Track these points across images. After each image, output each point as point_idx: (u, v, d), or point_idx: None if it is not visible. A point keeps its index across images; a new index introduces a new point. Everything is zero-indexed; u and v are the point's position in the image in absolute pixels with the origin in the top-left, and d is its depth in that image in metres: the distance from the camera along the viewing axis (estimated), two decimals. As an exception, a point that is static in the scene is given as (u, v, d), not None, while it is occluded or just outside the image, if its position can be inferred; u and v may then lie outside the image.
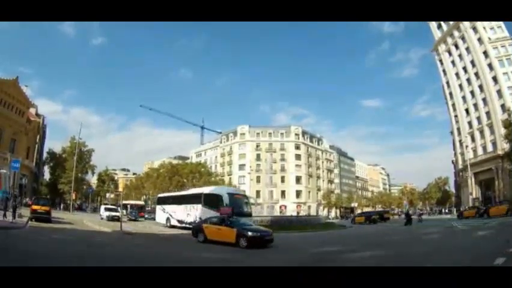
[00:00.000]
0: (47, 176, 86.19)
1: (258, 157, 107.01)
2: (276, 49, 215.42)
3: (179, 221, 33.97)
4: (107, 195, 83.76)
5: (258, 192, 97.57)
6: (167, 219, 36.24)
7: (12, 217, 25.82)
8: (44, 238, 19.27)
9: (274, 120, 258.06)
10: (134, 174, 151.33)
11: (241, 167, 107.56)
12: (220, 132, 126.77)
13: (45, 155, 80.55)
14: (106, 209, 44.71)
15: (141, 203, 72.24)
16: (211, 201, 30.51)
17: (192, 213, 32.21)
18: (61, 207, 67.29)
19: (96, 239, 21.28)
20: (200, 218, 28.27)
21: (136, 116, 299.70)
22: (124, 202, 58.83)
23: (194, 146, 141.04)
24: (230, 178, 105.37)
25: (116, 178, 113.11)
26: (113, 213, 41.89)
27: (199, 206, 31.55)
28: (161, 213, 38.14)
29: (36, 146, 70.27)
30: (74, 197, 65.79)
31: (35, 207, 29.32)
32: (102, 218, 42.68)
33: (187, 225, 31.02)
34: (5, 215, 26.96)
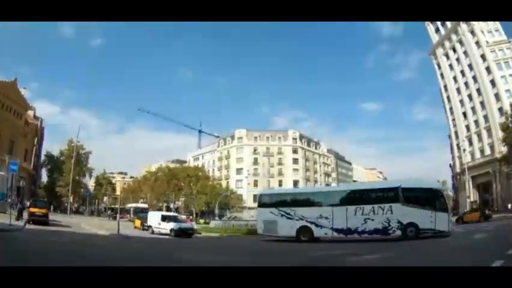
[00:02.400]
0: (44, 178, 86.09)
1: (256, 161, 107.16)
2: (276, 50, 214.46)
3: (338, 230, 23.49)
4: (105, 198, 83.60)
5: (255, 196, 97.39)
6: (304, 228, 24.52)
7: (16, 219, 25.92)
8: (41, 240, 19.23)
9: (273, 123, 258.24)
10: (131, 177, 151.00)
11: (239, 171, 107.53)
12: (218, 136, 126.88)
13: (43, 157, 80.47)
14: (165, 218, 33.97)
15: (144, 206, 67.89)
16: (419, 198, 22.54)
17: (378, 217, 22.46)
18: (59, 210, 67.05)
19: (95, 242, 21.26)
20: (400, 223, 21.72)
21: (134, 119, 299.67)
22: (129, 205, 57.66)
23: (192, 149, 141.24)
24: (227, 182, 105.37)
25: (113, 181, 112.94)
26: (183, 225, 33.55)
27: (396, 206, 22.24)
28: (282, 221, 25.17)
29: (34, 148, 70.22)
30: (71, 200, 65.65)
31: (32, 209, 29.24)
32: (154, 232, 33.09)
33: (361, 236, 22.86)
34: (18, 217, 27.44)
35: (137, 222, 39.41)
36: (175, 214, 43.28)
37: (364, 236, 22.53)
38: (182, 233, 30.96)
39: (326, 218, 23.77)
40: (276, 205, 26.30)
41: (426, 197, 22.33)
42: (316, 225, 24.04)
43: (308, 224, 24.28)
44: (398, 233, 21.56)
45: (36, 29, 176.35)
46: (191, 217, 68.92)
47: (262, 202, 28.70)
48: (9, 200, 36.13)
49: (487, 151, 68.06)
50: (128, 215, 55.76)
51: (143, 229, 35.85)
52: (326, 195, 27.32)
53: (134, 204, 67.29)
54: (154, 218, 34.78)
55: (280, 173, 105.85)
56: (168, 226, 31.79)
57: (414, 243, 19.22)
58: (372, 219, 22.39)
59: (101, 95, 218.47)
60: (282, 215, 25.39)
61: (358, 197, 24.51)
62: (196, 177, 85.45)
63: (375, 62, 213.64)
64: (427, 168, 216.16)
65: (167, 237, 30.80)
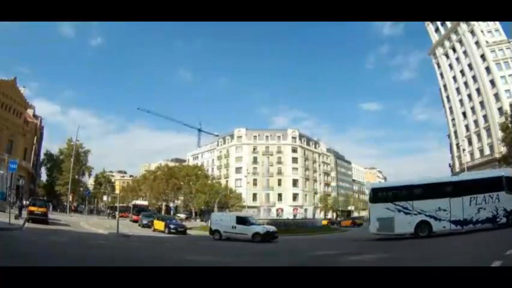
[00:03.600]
0: (44, 177, 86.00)
1: (255, 160, 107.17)
2: (276, 51, 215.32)
3: (456, 222, 22.52)
4: (104, 197, 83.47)
5: (254, 195, 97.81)
6: (423, 223, 23.09)
7: (15, 218, 25.96)
8: (41, 239, 19.22)
9: (273, 122, 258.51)
10: (131, 176, 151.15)
11: (238, 169, 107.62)
12: (217, 135, 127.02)
13: (42, 156, 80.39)
14: (243, 220, 29.26)
15: (144, 203, 66.42)
16: None
17: (488, 205, 22.07)
18: (58, 208, 66.96)
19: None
20: (505, 210, 21.49)
21: (134, 118, 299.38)
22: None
23: (191, 148, 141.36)
24: (227, 181, 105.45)
25: (113, 180, 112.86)
26: (269, 228, 28.59)
27: (502, 194, 21.93)
28: (400, 217, 23.62)
29: (34, 147, 70.05)
30: (71, 199, 65.55)
31: (32, 208, 29.28)
32: (223, 237, 29.56)
33: (475, 226, 22.02)
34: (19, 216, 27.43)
35: (159, 225, 35.87)
36: (247, 214, 39.93)
37: (478, 226, 21.88)
38: (270, 237, 27.17)
39: (444, 210, 22.76)
40: (391, 199, 24.53)
41: None
42: (435, 219, 22.88)
43: (427, 218, 22.99)
44: (504, 220, 21.36)
45: (36, 29, 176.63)
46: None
47: (376, 197, 26.03)
48: (9, 199, 36.09)
49: (487, 151, 68.01)
50: (130, 214, 52.14)
51: (170, 232, 33.61)
52: (443, 186, 25.06)
53: (139, 202, 65.41)
54: (225, 221, 29.66)
55: (279, 172, 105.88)
56: (249, 230, 27.46)
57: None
58: (484, 209, 21.93)
59: (101, 94, 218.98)
60: (399, 210, 23.77)
61: (471, 186, 23.36)
62: (195, 176, 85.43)
63: (376, 62, 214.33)
64: (427, 168, 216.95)
65: (168, 236, 30.79)
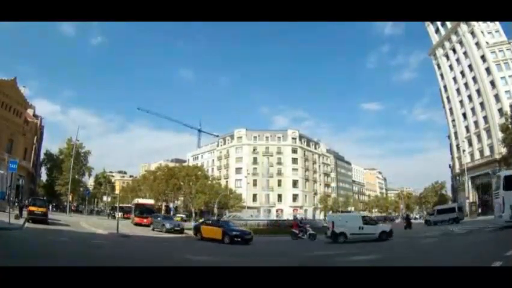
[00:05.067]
0: (44, 177, 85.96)
1: (255, 160, 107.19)
2: (277, 51, 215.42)
3: None
4: (104, 197, 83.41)
5: (254, 195, 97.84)
6: None
7: (16, 217, 26.01)
8: (40, 239, 19.23)
9: (273, 122, 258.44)
10: (131, 176, 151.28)
11: (238, 170, 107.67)
12: (217, 136, 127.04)
13: (42, 156, 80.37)
14: (370, 220, 29.37)
15: (150, 201, 53.19)
16: None
17: None
18: (58, 208, 66.94)
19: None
20: None
21: (134, 118, 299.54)
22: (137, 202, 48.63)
23: (191, 148, 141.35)
24: (227, 181, 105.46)
25: (113, 180, 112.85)
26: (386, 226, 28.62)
27: None
28: None
29: (34, 147, 70.01)
30: (71, 199, 65.49)
31: (32, 208, 29.28)
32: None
33: None
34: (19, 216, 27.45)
35: (213, 232, 27.20)
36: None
37: None
38: (387, 235, 26.37)
39: None
40: None
41: None
42: None
43: None
44: None
45: (36, 28, 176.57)
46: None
47: (510, 184, 23.51)
48: (10, 199, 36.12)
49: (487, 152, 68.00)
50: (132, 215, 45.40)
51: (232, 242, 24.79)
52: None
53: (144, 201, 52.33)
54: (350, 222, 27.23)
55: (279, 173, 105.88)
56: (376, 229, 26.62)
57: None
58: None
59: (101, 94, 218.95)
60: None
61: None
62: (195, 177, 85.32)
63: (376, 63, 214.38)
64: (427, 169, 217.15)
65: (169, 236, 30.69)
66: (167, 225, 33.83)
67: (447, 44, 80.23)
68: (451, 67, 79.52)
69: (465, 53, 74.26)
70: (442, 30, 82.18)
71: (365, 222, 26.85)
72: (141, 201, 48.73)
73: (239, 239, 24.83)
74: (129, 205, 58.10)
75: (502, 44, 69.57)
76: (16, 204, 32.45)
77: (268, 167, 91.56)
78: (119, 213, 39.57)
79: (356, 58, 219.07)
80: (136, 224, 39.54)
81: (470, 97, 73.25)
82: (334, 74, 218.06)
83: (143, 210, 42.57)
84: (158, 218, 37.11)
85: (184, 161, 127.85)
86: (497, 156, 60.98)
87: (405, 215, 58.88)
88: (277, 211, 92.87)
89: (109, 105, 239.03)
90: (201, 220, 41.13)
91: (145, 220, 39.59)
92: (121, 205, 51.55)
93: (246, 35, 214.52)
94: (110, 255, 15.27)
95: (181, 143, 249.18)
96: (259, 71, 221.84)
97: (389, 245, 22.17)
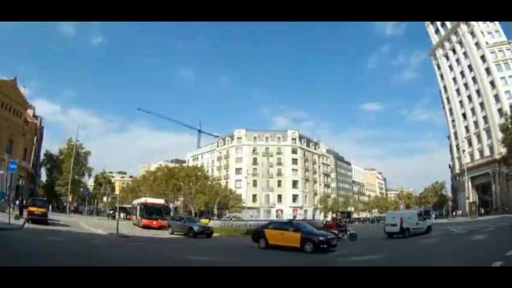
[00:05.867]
0: (44, 177, 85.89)
1: (255, 161, 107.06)
2: (277, 51, 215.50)
3: None
4: (104, 198, 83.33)
5: (254, 196, 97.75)
6: None
7: (16, 218, 26.04)
8: (40, 240, 19.23)
9: (273, 122, 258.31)
10: (131, 177, 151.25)
11: (238, 170, 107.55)
12: (217, 136, 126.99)
13: (42, 156, 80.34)
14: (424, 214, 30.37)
15: (160, 201, 46.12)
16: None
17: None
18: (58, 209, 66.88)
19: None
20: None
21: (134, 118, 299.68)
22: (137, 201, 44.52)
23: (191, 149, 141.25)
24: (227, 182, 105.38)
25: (113, 181, 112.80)
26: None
27: None
28: None
29: (34, 147, 69.99)
30: (71, 199, 65.42)
31: (31, 208, 29.28)
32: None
33: None
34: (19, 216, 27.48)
35: (289, 238, 19.42)
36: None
37: None
38: (429, 229, 30.83)
39: None
40: None
41: None
42: None
43: None
44: None
45: (36, 28, 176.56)
46: None
47: None
48: (10, 199, 36.14)
49: (487, 152, 68.13)
50: (134, 217, 43.06)
51: (317, 250, 17.95)
52: None
53: (153, 200, 44.42)
54: (412, 218, 29.38)
55: (279, 173, 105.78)
56: (425, 224, 30.85)
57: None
58: None
59: (101, 94, 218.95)
60: None
61: None
62: (195, 177, 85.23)
63: (376, 63, 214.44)
64: (427, 169, 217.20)
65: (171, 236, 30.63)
66: (196, 228, 30.55)
67: (447, 45, 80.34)
68: (450, 67, 79.67)
69: (465, 53, 74.38)
70: (442, 31, 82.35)
71: (419, 218, 30.71)
72: (150, 200, 42.83)
73: (325, 246, 18.42)
74: (130, 206, 54.95)
75: (502, 44, 69.65)
76: (16, 204, 32.41)
77: (268, 168, 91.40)
78: (122, 214, 38.14)
79: (356, 58, 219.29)
80: (144, 227, 36.00)
81: (470, 97, 73.37)
82: (334, 74, 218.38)
83: (152, 211, 38.44)
84: (181, 221, 33.44)
85: (184, 162, 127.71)
86: (497, 156, 61.14)
87: None
88: (277, 211, 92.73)
89: (109, 106, 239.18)
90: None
91: (154, 222, 36.58)
92: (123, 206, 50.11)
93: (246, 35, 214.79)
94: (110, 256, 15.25)
95: (181, 144, 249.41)
96: (259, 71, 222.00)
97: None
